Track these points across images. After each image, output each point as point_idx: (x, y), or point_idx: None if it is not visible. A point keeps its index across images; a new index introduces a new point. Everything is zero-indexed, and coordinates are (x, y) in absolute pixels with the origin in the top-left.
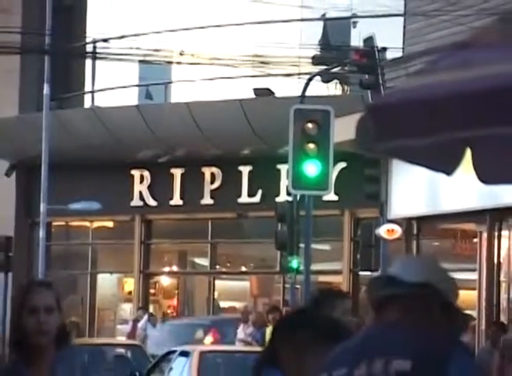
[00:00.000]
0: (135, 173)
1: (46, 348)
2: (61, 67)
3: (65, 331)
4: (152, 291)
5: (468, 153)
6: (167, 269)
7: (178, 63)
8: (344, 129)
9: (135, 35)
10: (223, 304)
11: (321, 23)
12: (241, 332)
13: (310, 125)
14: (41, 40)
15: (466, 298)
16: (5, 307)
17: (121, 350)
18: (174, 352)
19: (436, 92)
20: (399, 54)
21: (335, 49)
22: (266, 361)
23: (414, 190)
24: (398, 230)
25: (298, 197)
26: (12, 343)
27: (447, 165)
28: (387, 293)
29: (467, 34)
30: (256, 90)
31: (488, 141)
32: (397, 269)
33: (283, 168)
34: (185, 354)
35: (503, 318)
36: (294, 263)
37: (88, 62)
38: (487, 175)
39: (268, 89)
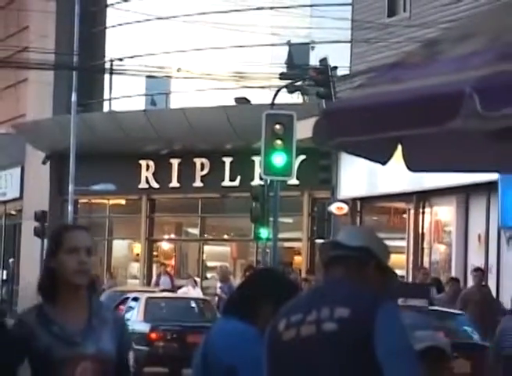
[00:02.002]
0: (142, 162)
1: (79, 290)
2: (86, 80)
3: (94, 279)
4: (155, 253)
5: (399, 147)
6: (166, 236)
7: (177, 77)
8: (304, 129)
9: (144, 55)
10: (210, 264)
11: (287, 47)
12: (217, 288)
13: (278, 126)
14: (70, 59)
15: (397, 260)
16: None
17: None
18: (128, 298)
19: (374, 101)
20: (347, 72)
21: (298, 67)
22: (241, 313)
23: (358, 176)
24: (345, 208)
25: (269, 182)
26: (43, 285)
27: (382, 157)
28: (332, 254)
29: (398, 56)
30: (236, 99)
31: (415, 138)
32: (341, 236)
33: (257, 159)
34: (136, 299)
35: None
36: (265, 233)
37: (107, 76)
38: (413, 165)
39: (246, 98)
